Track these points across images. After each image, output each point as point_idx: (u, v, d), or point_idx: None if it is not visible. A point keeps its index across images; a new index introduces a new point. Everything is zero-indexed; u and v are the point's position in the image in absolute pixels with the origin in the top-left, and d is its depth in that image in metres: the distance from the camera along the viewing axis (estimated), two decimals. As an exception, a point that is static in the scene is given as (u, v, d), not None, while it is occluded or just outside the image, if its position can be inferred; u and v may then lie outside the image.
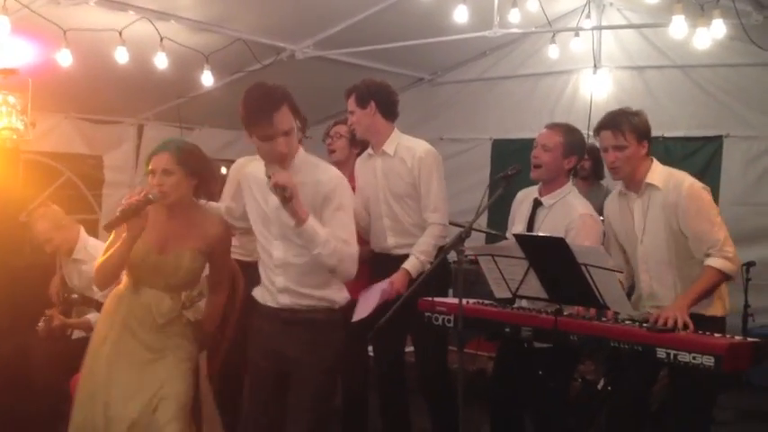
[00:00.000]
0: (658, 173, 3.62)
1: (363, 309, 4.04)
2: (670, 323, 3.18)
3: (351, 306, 3.49)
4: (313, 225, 3.08)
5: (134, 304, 3.51)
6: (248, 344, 3.47)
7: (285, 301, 3.27)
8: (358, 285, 4.24)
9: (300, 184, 3.11)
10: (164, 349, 3.49)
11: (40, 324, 4.83)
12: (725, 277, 3.44)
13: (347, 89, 4.24)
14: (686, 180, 3.57)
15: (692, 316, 3.33)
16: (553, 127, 3.98)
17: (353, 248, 3.18)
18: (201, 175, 3.51)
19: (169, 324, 3.51)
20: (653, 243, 3.60)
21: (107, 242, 3.51)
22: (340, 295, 3.33)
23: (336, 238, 3.12)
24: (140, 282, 3.52)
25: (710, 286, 3.40)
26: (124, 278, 3.58)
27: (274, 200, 3.13)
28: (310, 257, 3.15)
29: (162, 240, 3.47)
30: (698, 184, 3.57)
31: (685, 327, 3.18)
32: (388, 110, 4.23)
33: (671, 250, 3.56)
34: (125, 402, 3.37)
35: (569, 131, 3.92)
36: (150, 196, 3.31)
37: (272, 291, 3.30)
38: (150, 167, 3.42)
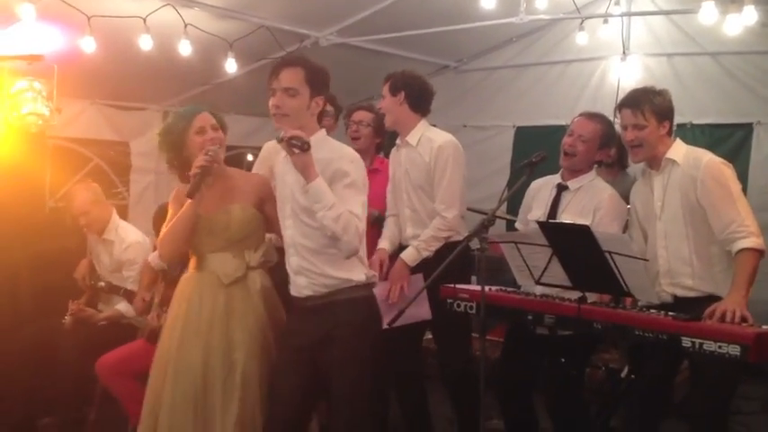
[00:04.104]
0: (679, 150, 3.57)
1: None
2: (728, 317, 3.07)
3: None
4: (322, 185, 3.01)
5: (202, 276, 3.43)
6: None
7: (302, 282, 3.24)
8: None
9: (314, 159, 3.08)
10: (230, 316, 3.36)
11: (66, 318, 4.89)
12: (761, 254, 3.33)
13: (387, 75, 4.24)
14: (706, 155, 3.52)
15: (713, 298, 3.29)
16: (592, 117, 3.92)
17: (362, 225, 3.05)
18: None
19: (235, 285, 3.40)
20: (671, 218, 3.55)
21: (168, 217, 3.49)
22: (356, 273, 3.21)
23: (346, 210, 3.02)
24: (202, 251, 3.46)
25: (753, 269, 3.30)
26: (191, 261, 3.53)
27: (290, 178, 3.16)
28: (319, 237, 3.11)
29: (208, 206, 3.42)
30: (718, 159, 3.50)
31: (743, 320, 3.07)
32: (417, 103, 4.20)
33: (688, 225, 3.50)
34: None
35: (607, 123, 3.87)
36: (210, 153, 3.29)
37: (292, 276, 3.29)
38: (198, 125, 3.40)
